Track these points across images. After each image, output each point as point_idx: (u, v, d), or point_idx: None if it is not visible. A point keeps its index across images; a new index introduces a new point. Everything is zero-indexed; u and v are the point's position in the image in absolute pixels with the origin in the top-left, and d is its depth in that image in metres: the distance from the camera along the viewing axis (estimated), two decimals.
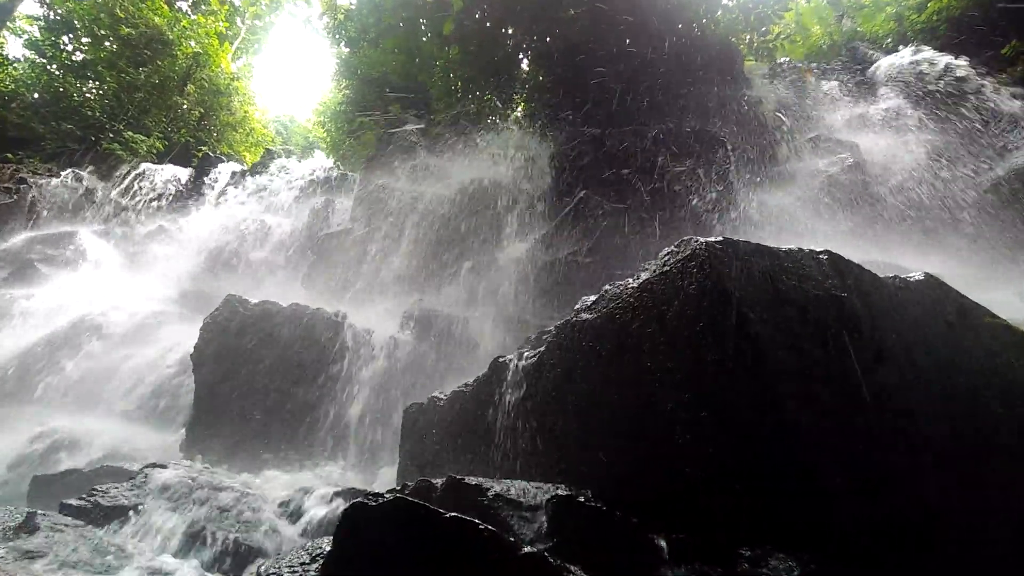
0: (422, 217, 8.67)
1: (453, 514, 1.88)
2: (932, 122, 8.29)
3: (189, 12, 18.85)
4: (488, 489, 2.35)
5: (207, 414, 5.69)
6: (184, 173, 14.50)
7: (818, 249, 2.60)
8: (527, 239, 7.46)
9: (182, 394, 6.51)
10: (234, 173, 14.35)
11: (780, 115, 9.00)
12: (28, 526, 2.85)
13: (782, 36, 10.88)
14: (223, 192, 13.70)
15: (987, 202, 6.79)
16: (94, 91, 16.31)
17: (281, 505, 3.60)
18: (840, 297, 2.43)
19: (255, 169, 14.51)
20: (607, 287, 3.01)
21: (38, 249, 10.98)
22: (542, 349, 3.26)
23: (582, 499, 2.25)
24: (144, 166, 14.49)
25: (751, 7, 9.78)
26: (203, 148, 16.78)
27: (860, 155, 7.88)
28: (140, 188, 13.86)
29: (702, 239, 2.55)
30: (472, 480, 2.43)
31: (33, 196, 12.78)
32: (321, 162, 14.37)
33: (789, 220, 6.90)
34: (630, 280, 2.88)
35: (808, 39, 11.83)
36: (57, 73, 15.98)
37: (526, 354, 3.40)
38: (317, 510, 3.47)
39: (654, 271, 2.72)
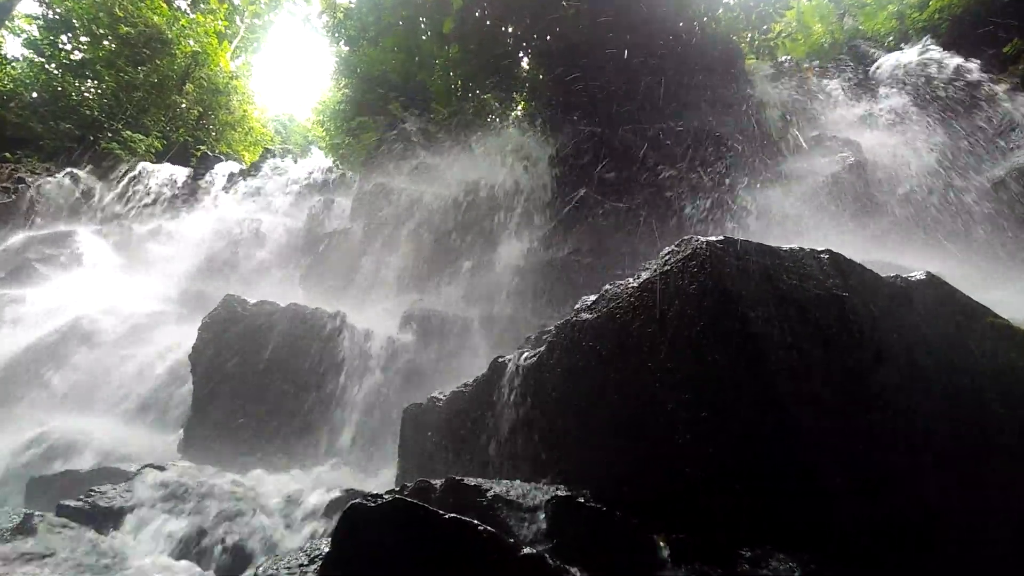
0: (421, 217, 8.66)
1: (452, 515, 1.87)
2: (934, 121, 8.28)
3: (188, 11, 18.83)
4: (487, 490, 2.34)
5: (205, 415, 5.68)
6: (183, 172, 14.49)
7: (819, 248, 2.59)
8: (527, 239, 7.45)
9: (180, 395, 6.49)
10: (233, 172, 14.34)
11: (781, 114, 8.98)
12: (25, 527, 2.83)
13: (783, 34, 10.87)
14: (222, 191, 13.69)
15: (989, 201, 6.78)
16: (93, 90, 16.29)
17: (279, 506, 3.59)
18: (841, 297, 2.42)
19: (254, 168, 14.49)
20: (607, 287, 3.00)
21: (36, 248, 10.97)
22: (542, 349, 3.25)
23: (582, 499, 2.24)
24: (143, 165, 14.47)
25: (752, 5, 9.77)
26: (202, 147, 16.77)
27: (862, 154, 7.87)
28: (139, 188, 13.84)
29: (702, 238, 2.54)
30: (471, 481, 2.42)
31: (31, 195, 12.77)
32: (319, 162, 14.36)
33: (790, 219, 6.89)
34: (630, 280, 2.87)
35: (809, 37, 11.81)
36: (56, 72, 15.96)
37: (526, 354, 3.38)
38: (315, 510, 3.46)
39: (654, 271, 2.70)
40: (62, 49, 16.32)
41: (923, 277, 2.61)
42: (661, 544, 2.07)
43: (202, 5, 19.18)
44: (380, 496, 1.99)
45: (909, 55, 9.42)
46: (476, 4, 9.93)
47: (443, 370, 6.09)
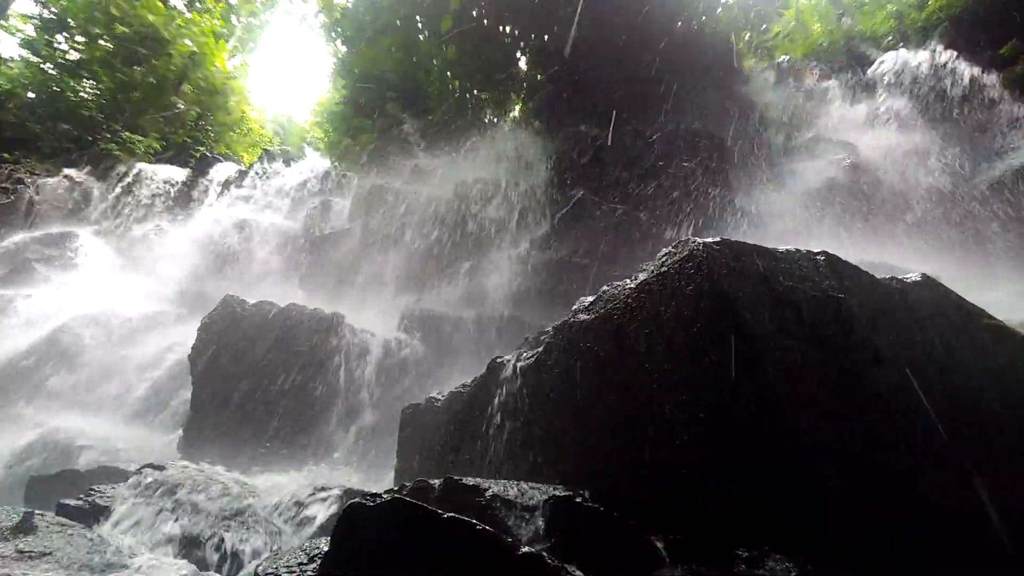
0: (420, 217, 8.66)
1: (451, 514, 1.88)
2: (933, 122, 8.29)
3: (184, 10, 18.77)
4: (486, 490, 2.35)
5: (205, 415, 5.68)
6: (181, 173, 14.46)
7: (815, 250, 2.60)
8: (525, 239, 7.46)
9: (180, 395, 6.50)
10: (232, 174, 14.32)
11: (778, 114, 9.00)
12: (25, 526, 2.84)
13: (782, 35, 10.90)
14: (221, 192, 13.67)
15: (985, 203, 6.79)
16: (90, 90, 16.25)
17: (278, 505, 3.60)
18: (838, 298, 2.43)
19: (252, 169, 14.47)
20: (605, 288, 3.01)
21: (35, 249, 10.95)
22: (540, 350, 3.26)
23: (579, 500, 2.25)
24: (141, 166, 14.44)
25: (751, 5, 9.80)
26: (200, 148, 16.74)
27: (858, 156, 7.88)
28: (137, 188, 13.82)
29: (700, 240, 2.55)
30: (470, 481, 2.43)
31: (30, 196, 12.75)
32: (314, 163, 14.34)
33: (787, 220, 6.91)
34: (628, 281, 2.88)
35: (808, 37, 11.80)
36: (53, 72, 15.91)
37: (524, 355, 3.39)
38: (315, 510, 3.47)
39: (652, 272, 2.72)
40: (58, 49, 16.27)
41: (918, 279, 2.63)
42: (658, 544, 2.08)
43: (198, 4, 19.13)
44: (379, 495, 2.00)
45: (919, 58, 9.19)
46: (474, 4, 9.93)
47: (441, 370, 6.10)
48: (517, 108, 11.22)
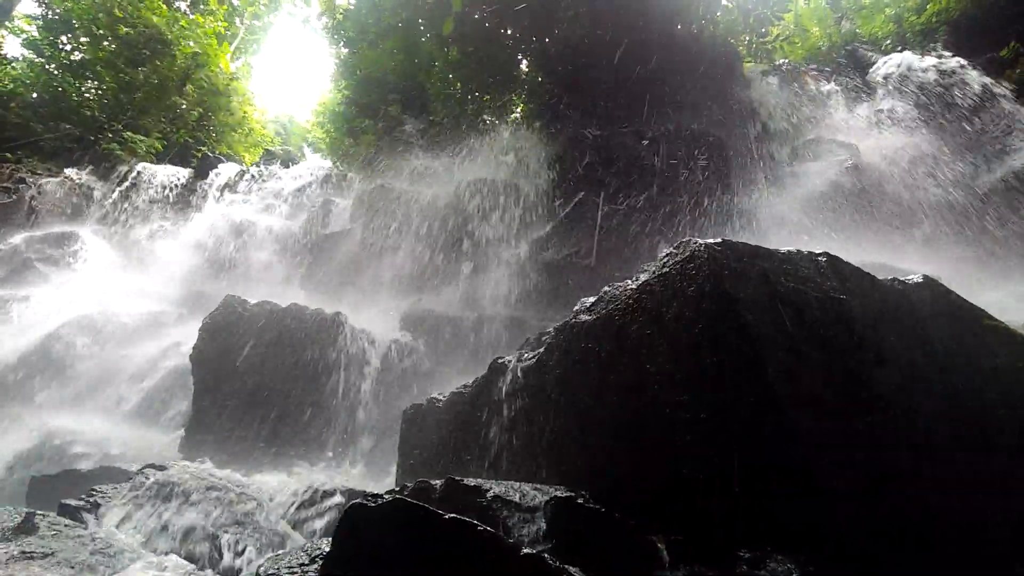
0: (421, 218, 8.67)
1: (452, 515, 1.88)
2: (932, 124, 8.29)
3: (188, 12, 18.81)
4: (487, 490, 2.36)
5: (206, 415, 5.69)
6: (183, 173, 14.48)
7: (817, 251, 2.61)
8: (526, 240, 7.47)
9: (181, 395, 6.50)
10: (233, 174, 14.34)
11: (779, 117, 9.01)
12: (26, 526, 2.84)
13: (781, 37, 10.91)
14: (222, 192, 13.69)
15: (985, 204, 6.80)
16: (93, 91, 16.28)
17: (280, 506, 3.60)
18: (839, 299, 2.44)
19: (254, 170, 14.50)
20: (606, 288, 3.02)
21: (36, 248, 10.96)
22: (541, 351, 3.26)
23: (581, 500, 2.26)
24: (143, 166, 14.46)
25: (750, 8, 9.80)
26: (202, 148, 16.75)
27: (859, 157, 7.89)
28: (139, 188, 13.84)
29: (701, 241, 2.56)
30: (471, 481, 2.44)
31: (32, 196, 12.76)
32: (315, 164, 14.35)
33: (788, 222, 6.91)
34: (629, 282, 2.89)
35: (807, 40, 11.81)
36: (56, 73, 15.94)
37: (525, 355, 3.40)
38: (316, 511, 3.47)
39: (653, 273, 2.72)
40: (62, 50, 16.29)
41: (919, 280, 2.63)
42: (660, 545, 2.08)
43: (202, 6, 19.16)
44: (380, 496, 2.00)
45: (918, 60, 9.11)
46: (476, 6, 9.95)
47: (442, 371, 6.10)
48: (518, 110, 11.24)
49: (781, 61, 10.73)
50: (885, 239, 6.75)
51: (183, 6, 18.96)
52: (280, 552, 2.97)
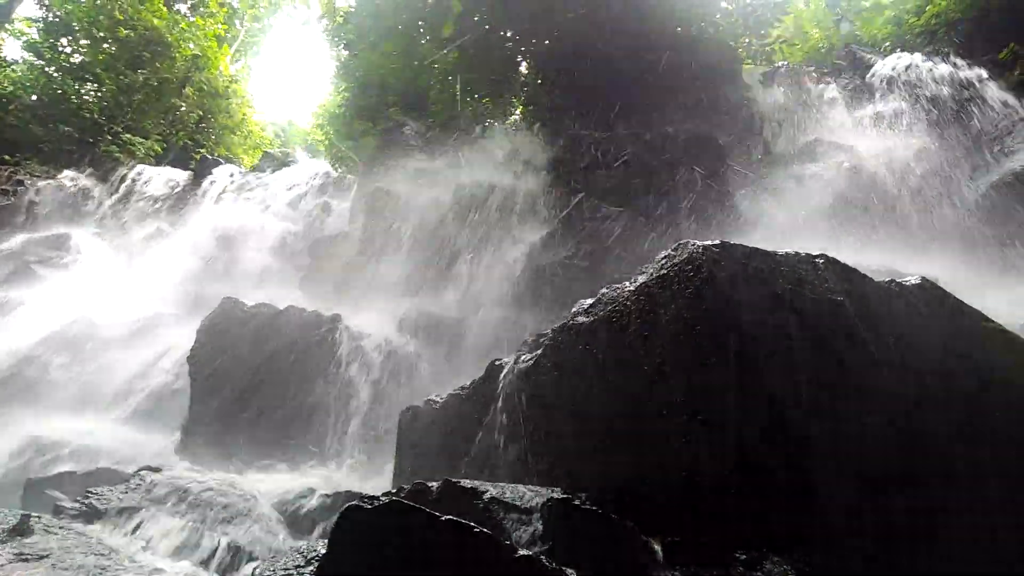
0: (420, 220, 8.67)
1: (449, 517, 1.88)
2: (930, 126, 8.30)
3: (188, 14, 18.84)
4: (484, 492, 2.35)
5: (203, 416, 5.68)
6: (182, 175, 14.48)
7: (815, 253, 2.61)
8: (524, 242, 7.47)
9: (178, 397, 6.48)
10: (232, 176, 14.34)
11: (778, 119, 9.02)
12: (22, 529, 2.83)
13: (781, 40, 10.93)
14: (221, 194, 13.68)
15: (983, 206, 6.80)
16: (92, 93, 16.28)
17: (276, 507, 3.59)
18: (836, 301, 2.44)
19: (253, 171, 14.50)
20: (604, 290, 3.01)
21: (35, 251, 10.95)
22: (539, 352, 3.26)
23: (577, 502, 2.25)
24: (142, 168, 14.46)
25: (750, 11, 9.82)
26: (201, 150, 16.77)
27: (858, 159, 7.89)
28: (138, 190, 13.84)
29: (699, 242, 2.56)
30: (468, 483, 2.43)
31: (31, 198, 12.76)
32: (315, 166, 14.36)
33: (786, 223, 6.91)
34: (627, 283, 2.88)
35: (806, 43, 11.83)
36: (56, 75, 15.94)
37: (523, 357, 3.39)
38: (312, 512, 3.46)
39: (651, 275, 2.72)
40: (62, 52, 16.31)
41: (917, 281, 2.63)
42: (656, 546, 2.08)
43: (201, 8, 19.18)
44: (377, 498, 2.00)
45: (917, 62, 9.05)
46: (475, 9, 9.97)
47: (440, 373, 6.09)
48: (518, 111, 11.26)
49: (780, 63, 10.75)
50: (883, 240, 6.75)
51: (183, 8, 18.98)
52: (276, 554, 2.96)
